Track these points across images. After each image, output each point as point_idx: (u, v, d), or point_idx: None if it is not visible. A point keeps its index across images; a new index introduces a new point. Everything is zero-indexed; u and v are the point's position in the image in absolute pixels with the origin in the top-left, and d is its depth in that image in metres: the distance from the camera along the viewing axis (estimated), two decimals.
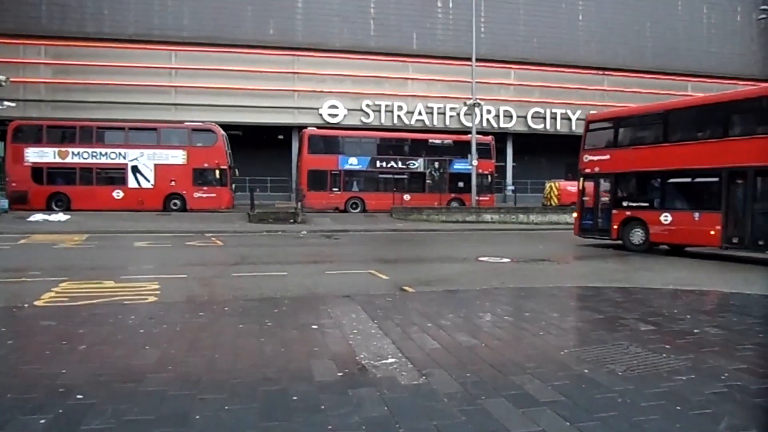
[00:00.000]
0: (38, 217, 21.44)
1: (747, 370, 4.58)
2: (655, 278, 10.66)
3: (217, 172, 26.49)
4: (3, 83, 23.87)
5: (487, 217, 25.51)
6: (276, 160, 36.31)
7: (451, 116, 36.91)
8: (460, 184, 29.43)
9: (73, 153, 25.69)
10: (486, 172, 29.69)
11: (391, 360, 4.75)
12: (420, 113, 36.68)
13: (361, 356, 4.84)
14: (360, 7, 36.39)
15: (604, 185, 16.39)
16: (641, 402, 3.84)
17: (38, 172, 25.44)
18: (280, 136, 36.30)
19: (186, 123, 28.13)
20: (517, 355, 4.99)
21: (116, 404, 3.69)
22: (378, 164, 29.56)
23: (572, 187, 22.47)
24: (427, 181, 29.95)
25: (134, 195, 25.94)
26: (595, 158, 16.37)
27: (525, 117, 38.05)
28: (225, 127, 28.24)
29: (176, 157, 26.33)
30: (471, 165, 26.90)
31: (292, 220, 22.66)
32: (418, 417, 3.56)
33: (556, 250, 16.09)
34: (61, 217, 21.77)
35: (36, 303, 7.26)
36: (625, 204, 15.66)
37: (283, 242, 17.00)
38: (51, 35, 32.38)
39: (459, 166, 29.36)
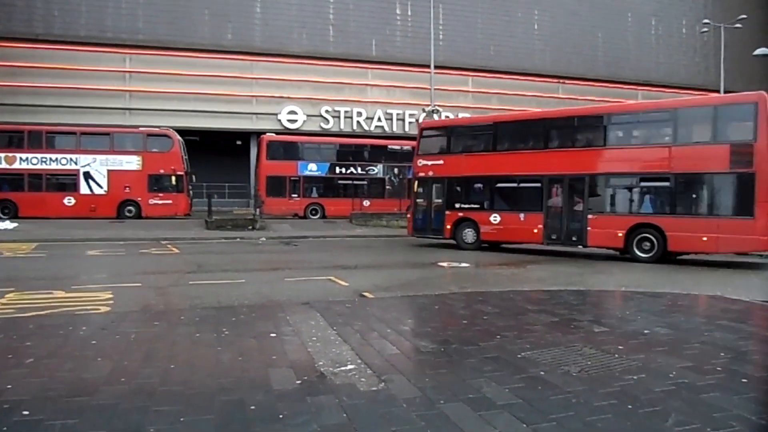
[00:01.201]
0: None
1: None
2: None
3: (174, 178, 25.95)
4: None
5: None
6: (234, 166, 35.79)
7: (410, 122, 37.13)
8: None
9: (21, 158, 24.76)
10: None
11: (350, 366, 4.74)
12: (380, 119, 36.79)
13: (320, 363, 4.82)
14: (319, 12, 36.30)
15: (438, 188, 17.57)
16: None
17: None
18: (239, 142, 35.83)
19: (141, 128, 27.47)
20: (472, 359, 5.05)
21: (65, 419, 3.57)
22: (337, 170, 29.52)
23: None
24: (387, 187, 30.07)
25: (86, 202, 25.16)
26: (429, 163, 17.62)
27: None
28: (182, 132, 27.72)
29: (131, 162, 25.68)
30: None
31: (250, 227, 22.39)
32: (376, 423, 3.57)
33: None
34: (8, 225, 20.94)
35: None
36: (457, 206, 17.08)
37: (241, 249, 16.78)
38: None
39: None
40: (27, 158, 24.79)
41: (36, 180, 24.91)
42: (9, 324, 6.48)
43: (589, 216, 14.82)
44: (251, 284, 9.93)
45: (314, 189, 29.58)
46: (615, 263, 14.44)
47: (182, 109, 32.72)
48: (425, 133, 18.49)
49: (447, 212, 17.12)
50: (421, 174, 17.72)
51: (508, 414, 3.70)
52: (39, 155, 24.89)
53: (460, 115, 37.84)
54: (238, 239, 19.41)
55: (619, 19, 42.53)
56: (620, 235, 14.38)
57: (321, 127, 35.61)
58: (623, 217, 14.57)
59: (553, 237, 15.39)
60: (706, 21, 35.13)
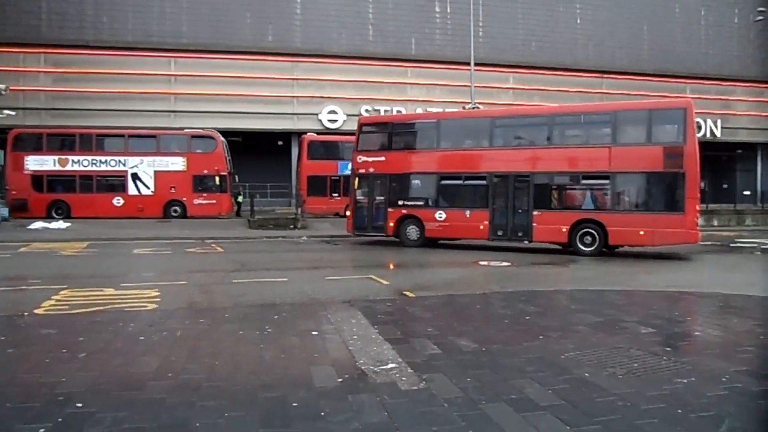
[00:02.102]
0: (38, 225, 21.41)
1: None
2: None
3: (217, 178, 26.48)
4: (3, 92, 23.92)
5: None
6: (275, 166, 36.29)
7: None
8: None
9: (72, 161, 25.69)
10: None
11: (391, 365, 4.75)
12: None
13: (361, 362, 4.84)
14: (358, 12, 36.45)
15: (379, 185, 17.31)
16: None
17: (38, 180, 25.42)
18: (280, 142, 36.28)
19: (185, 130, 28.14)
20: (516, 358, 4.98)
21: (116, 412, 3.69)
22: None
23: None
24: None
25: (134, 202, 25.92)
26: (370, 159, 17.33)
27: None
28: (224, 133, 28.24)
29: (176, 163, 26.32)
30: None
31: (292, 226, 22.65)
32: (417, 422, 3.56)
33: None
34: (61, 225, 21.75)
35: (36, 311, 7.25)
36: (400, 203, 16.90)
37: (283, 248, 16.99)
38: (50, 43, 32.34)
39: None
40: (78, 160, 25.69)
41: (87, 181, 25.79)
42: (63, 320, 6.74)
43: (535, 212, 15.25)
44: (293, 283, 10.05)
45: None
46: (661, 262, 14.07)
47: (225, 111, 33.36)
48: (365, 129, 18.16)
49: (390, 210, 16.97)
50: (361, 170, 17.43)
51: (551, 415, 3.64)
52: (89, 157, 25.76)
53: None
54: (280, 238, 19.67)
55: (666, 11, 41.21)
56: (564, 230, 14.93)
57: None
58: (567, 213, 15.16)
59: (500, 233, 15.72)
60: (762, 9, 33.65)
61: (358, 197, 17.50)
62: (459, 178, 16.43)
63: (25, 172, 25.20)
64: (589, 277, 11.31)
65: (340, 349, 5.26)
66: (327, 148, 30.14)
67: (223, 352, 5.19)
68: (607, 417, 3.63)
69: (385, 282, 10.05)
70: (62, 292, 8.63)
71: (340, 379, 4.39)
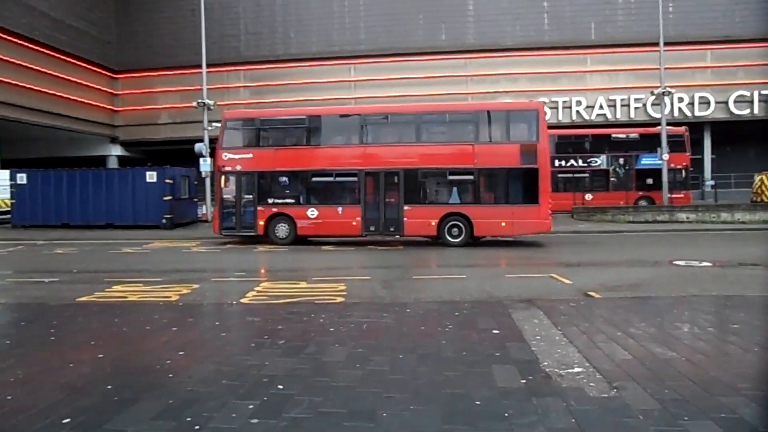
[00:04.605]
0: None
1: None
2: None
3: None
4: (212, 107, 27.19)
5: (682, 216, 23.08)
6: None
7: (636, 108, 34.13)
8: (649, 181, 27.02)
9: None
10: (679, 167, 26.89)
11: (577, 369, 4.52)
12: (601, 107, 34.48)
13: (545, 363, 4.68)
14: (532, 2, 35.31)
15: (248, 183, 16.66)
16: None
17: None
18: None
19: None
20: (726, 373, 4.44)
21: (312, 396, 4.00)
22: (557, 163, 28.24)
23: None
24: (611, 179, 27.96)
25: None
26: (236, 156, 16.69)
27: (726, 102, 33.76)
28: None
29: None
30: (661, 159, 24.62)
31: None
32: None
33: None
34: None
35: (242, 300, 8.15)
36: (270, 201, 16.52)
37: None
38: (248, 61, 36.46)
39: (647, 161, 26.97)
40: None
41: None
42: (265, 309, 7.49)
43: (405, 207, 15.75)
44: (472, 280, 10.05)
45: None
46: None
47: None
48: (230, 124, 17.26)
49: (259, 208, 16.50)
50: (228, 168, 16.69)
51: None
52: None
53: (697, 96, 33.84)
54: None
55: None
56: (433, 224, 15.62)
57: None
58: (435, 207, 15.84)
59: (372, 228, 16.01)
60: None
61: (224, 196, 16.82)
62: (330, 175, 16.47)
63: None
64: None
65: (522, 349, 5.13)
66: None
67: (406, 346, 5.35)
68: None
69: (567, 281, 9.59)
70: (262, 284, 9.60)
71: (523, 380, 4.28)
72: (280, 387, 4.22)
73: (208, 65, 26.54)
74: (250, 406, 3.84)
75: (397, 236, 16.09)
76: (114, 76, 37.64)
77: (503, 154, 15.41)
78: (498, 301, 7.73)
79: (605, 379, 4.27)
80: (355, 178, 16.24)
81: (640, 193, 27.46)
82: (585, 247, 15.89)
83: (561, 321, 6.14)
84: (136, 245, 16.91)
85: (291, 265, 12.91)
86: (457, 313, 6.76)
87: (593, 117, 34.36)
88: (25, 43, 29.44)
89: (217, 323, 6.70)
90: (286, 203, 16.59)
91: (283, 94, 35.22)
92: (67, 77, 32.81)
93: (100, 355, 5.22)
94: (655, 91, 25.89)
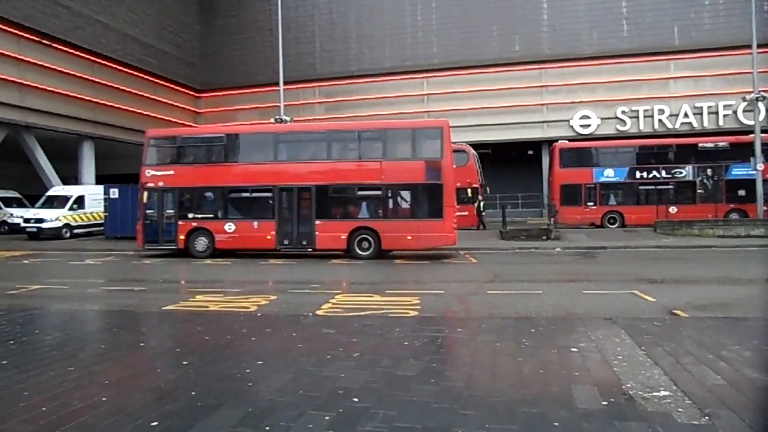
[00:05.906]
0: None
1: None
2: None
3: (469, 190, 27.20)
4: (289, 123, 28.09)
5: None
6: (525, 176, 35.87)
7: (725, 115, 32.22)
8: (741, 193, 25.33)
9: None
10: None
11: (663, 393, 4.28)
12: (686, 115, 32.78)
13: (628, 385, 4.46)
14: (610, 9, 34.19)
15: (169, 199, 17.39)
16: None
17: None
18: (530, 152, 35.83)
19: None
20: None
21: (387, 410, 3.99)
22: (638, 175, 27.10)
23: None
24: (698, 191, 26.44)
25: None
26: (159, 173, 17.34)
27: None
28: (474, 146, 28.91)
29: None
30: (755, 169, 23.03)
31: (544, 237, 22.06)
32: None
33: None
34: None
35: (317, 312, 8.29)
36: (190, 216, 17.20)
37: (536, 260, 16.66)
38: (323, 77, 37.40)
39: (739, 171, 25.34)
40: None
41: None
42: (339, 321, 7.58)
43: (317, 222, 16.43)
44: (548, 295, 9.75)
45: (612, 196, 27.68)
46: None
47: (475, 124, 34.10)
48: (152, 142, 17.97)
49: (180, 222, 17.16)
50: (150, 184, 17.35)
51: None
52: None
53: None
54: (533, 249, 19.31)
55: None
56: (343, 237, 16.24)
57: (617, 130, 33.34)
58: (345, 221, 16.54)
59: (286, 242, 16.61)
60: None
61: (147, 211, 17.39)
62: (246, 191, 17.21)
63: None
64: None
65: (602, 369, 4.92)
66: (580, 155, 28.67)
67: (481, 362, 5.26)
68: None
69: (651, 298, 9.13)
70: (337, 296, 9.74)
71: (604, 402, 4.10)
72: (355, 400, 4.25)
73: (285, 82, 27.45)
74: (326, 417, 3.88)
75: (310, 249, 16.59)
76: (197, 95, 39.65)
77: (409, 171, 16.00)
78: (576, 317, 7.45)
79: (695, 404, 4.02)
80: (270, 194, 16.93)
81: (731, 205, 25.78)
82: (669, 263, 15.08)
83: (644, 341, 5.84)
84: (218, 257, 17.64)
85: (305, 277, 13.01)
86: (533, 330, 6.58)
87: (677, 125, 32.74)
88: (119, 67, 31.58)
89: (294, 334, 6.84)
90: (205, 218, 17.29)
91: (357, 109, 35.79)
92: (156, 97, 34.87)
93: (185, 362, 5.45)
94: (748, 97, 24.36)
